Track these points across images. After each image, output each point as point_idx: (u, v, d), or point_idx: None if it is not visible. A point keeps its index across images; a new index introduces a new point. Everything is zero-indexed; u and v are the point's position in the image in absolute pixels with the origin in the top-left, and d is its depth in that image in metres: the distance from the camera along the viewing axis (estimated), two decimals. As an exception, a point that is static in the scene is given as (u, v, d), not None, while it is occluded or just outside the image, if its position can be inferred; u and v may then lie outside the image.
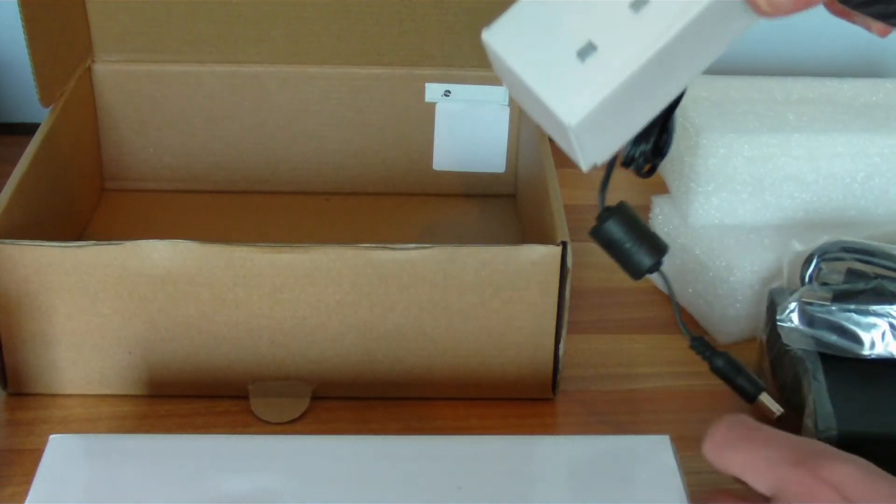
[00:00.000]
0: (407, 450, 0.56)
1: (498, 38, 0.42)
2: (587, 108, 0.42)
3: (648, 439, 0.56)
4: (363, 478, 0.53)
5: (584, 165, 0.49)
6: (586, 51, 0.40)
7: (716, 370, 0.62)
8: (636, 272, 0.58)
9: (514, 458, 0.55)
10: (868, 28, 0.52)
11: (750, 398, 0.62)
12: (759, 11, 0.42)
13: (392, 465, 0.54)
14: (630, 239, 0.57)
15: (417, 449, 0.56)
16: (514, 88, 0.46)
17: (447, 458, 0.55)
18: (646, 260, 0.58)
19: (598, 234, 0.58)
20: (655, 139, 0.55)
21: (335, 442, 0.57)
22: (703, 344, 0.62)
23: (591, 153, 0.48)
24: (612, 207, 0.58)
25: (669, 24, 0.39)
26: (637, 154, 0.55)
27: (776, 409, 0.62)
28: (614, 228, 0.57)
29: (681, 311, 0.61)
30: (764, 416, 0.62)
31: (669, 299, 0.79)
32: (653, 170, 0.57)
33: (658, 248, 0.58)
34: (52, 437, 0.56)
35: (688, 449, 0.66)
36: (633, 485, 0.53)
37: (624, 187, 0.94)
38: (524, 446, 0.57)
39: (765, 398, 0.62)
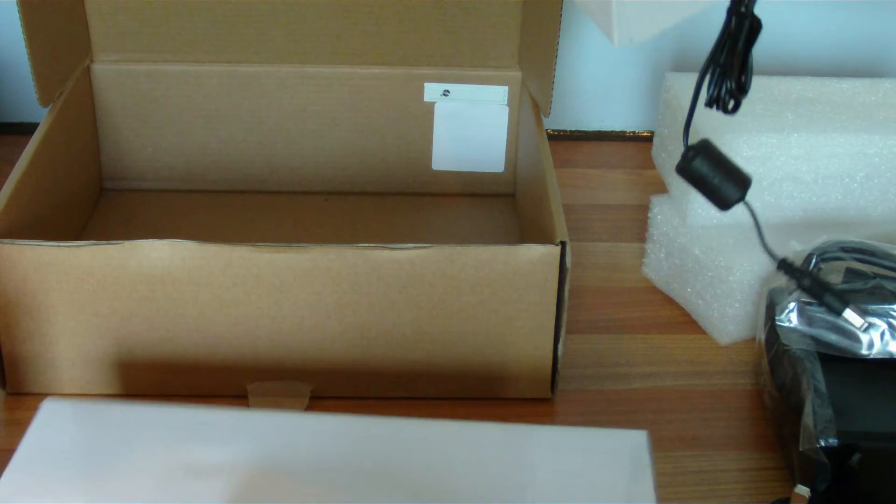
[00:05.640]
0: (389, 432, 0.56)
1: None
2: None
3: (627, 434, 0.56)
4: (351, 456, 0.54)
5: (618, 38, 0.50)
6: None
7: (804, 288, 0.64)
8: (726, 204, 0.61)
9: (487, 445, 0.55)
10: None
11: (837, 313, 0.64)
12: None
13: (373, 445, 0.55)
14: (717, 174, 0.60)
15: (398, 431, 0.56)
16: None
17: (424, 442, 0.55)
18: (734, 192, 0.61)
19: (686, 172, 0.61)
20: (737, 76, 0.58)
21: (330, 420, 0.58)
22: (788, 265, 0.64)
23: (629, 25, 0.49)
24: (696, 145, 0.61)
25: None
26: (723, 92, 0.58)
27: (860, 321, 0.63)
28: (702, 165, 0.60)
29: (761, 235, 0.63)
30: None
31: (669, 299, 0.79)
32: (737, 106, 0.59)
33: (743, 180, 0.61)
34: (45, 400, 0.57)
35: (687, 448, 0.66)
36: (603, 477, 0.53)
37: (624, 187, 0.94)
38: (504, 433, 0.57)
39: (848, 314, 0.63)
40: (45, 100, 0.77)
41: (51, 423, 0.56)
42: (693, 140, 0.61)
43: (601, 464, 0.54)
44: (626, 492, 0.52)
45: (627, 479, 0.53)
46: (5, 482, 0.52)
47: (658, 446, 0.56)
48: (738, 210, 0.77)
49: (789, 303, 0.65)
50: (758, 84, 0.84)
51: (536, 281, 0.65)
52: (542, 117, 0.80)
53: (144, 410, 0.58)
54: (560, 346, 0.67)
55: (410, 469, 0.53)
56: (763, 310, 0.70)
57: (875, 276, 0.66)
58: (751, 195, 0.77)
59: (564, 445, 0.56)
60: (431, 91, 0.86)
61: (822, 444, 0.58)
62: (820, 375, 0.62)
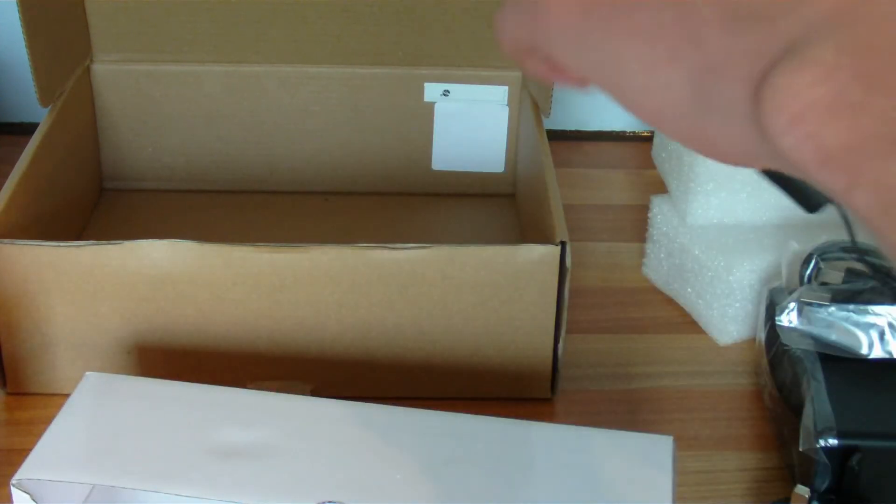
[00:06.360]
0: (403, 420, 0.56)
1: None
2: None
3: (652, 438, 0.55)
4: (366, 441, 0.55)
5: None
6: None
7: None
8: (815, 205, 0.57)
9: (517, 440, 0.55)
10: None
11: None
12: None
13: (386, 433, 0.55)
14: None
15: (415, 421, 0.56)
16: None
17: (448, 433, 0.55)
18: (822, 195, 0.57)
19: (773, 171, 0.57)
20: None
21: (340, 407, 0.58)
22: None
23: None
24: None
25: None
26: None
27: None
28: None
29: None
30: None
31: (669, 299, 0.79)
32: None
33: None
34: (87, 374, 0.58)
35: (688, 448, 0.66)
36: (622, 479, 0.53)
37: (624, 187, 0.94)
38: (533, 430, 0.57)
39: None
40: (45, 100, 0.77)
41: (88, 395, 0.57)
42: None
43: (622, 466, 0.54)
44: (642, 498, 0.52)
45: (645, 485, 0.53)
46: (37, 452, 0.53)
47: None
48: (739, 210, 0.77)
49: (789, 303, 0.65)
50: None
51: (536, 281, 0.65)
52: (542, 117, 0.80)
53: (185, 388, 0.58)
54: (560, 346, 0.67)
55: (426, 461, 0.53)
56: (763, 310, 0.70)
57: (875, 275, 0.66)
58: (751, 195, 0.77)
59: (586, 445, 0.55)
60: (431, 91, 0.86)
61: (822, 444, 0.58)
62: (820, 375, 0.62)
